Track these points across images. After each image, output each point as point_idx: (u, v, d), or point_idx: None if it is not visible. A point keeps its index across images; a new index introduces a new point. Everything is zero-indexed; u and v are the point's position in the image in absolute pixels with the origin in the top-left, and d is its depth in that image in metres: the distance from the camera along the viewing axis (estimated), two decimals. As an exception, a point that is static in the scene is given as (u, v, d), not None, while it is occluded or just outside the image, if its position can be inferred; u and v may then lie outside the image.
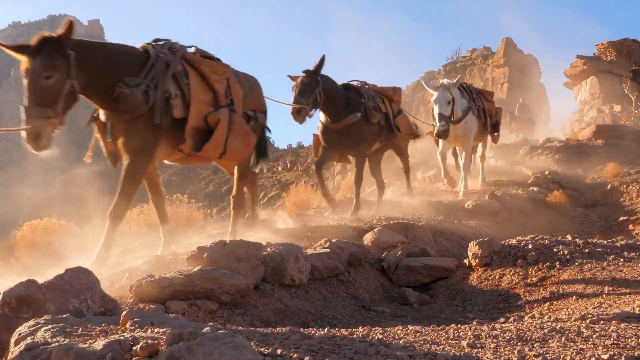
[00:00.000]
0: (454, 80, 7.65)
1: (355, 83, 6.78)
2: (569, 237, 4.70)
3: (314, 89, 5.90)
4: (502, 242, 4.37)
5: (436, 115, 7.29)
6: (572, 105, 24.76)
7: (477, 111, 8.17)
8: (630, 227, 7.11)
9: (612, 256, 4.00)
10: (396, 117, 6.87)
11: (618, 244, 4.38)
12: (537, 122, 20.84)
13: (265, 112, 4.95)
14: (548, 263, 3.95)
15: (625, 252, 4.15)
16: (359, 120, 6.24)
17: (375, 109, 6.43)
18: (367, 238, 4.82)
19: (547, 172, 10.30)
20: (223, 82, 4.18)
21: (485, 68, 35.59)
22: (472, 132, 8.05)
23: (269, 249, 3.52)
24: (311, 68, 5.99)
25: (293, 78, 6.06)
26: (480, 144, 9.39)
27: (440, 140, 8.08)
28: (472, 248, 4.32)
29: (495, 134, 9.12)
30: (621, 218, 7.60)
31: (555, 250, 4.13)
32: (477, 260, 4.22)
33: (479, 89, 8.96)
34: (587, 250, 4.13)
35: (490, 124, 8.69)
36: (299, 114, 5.80)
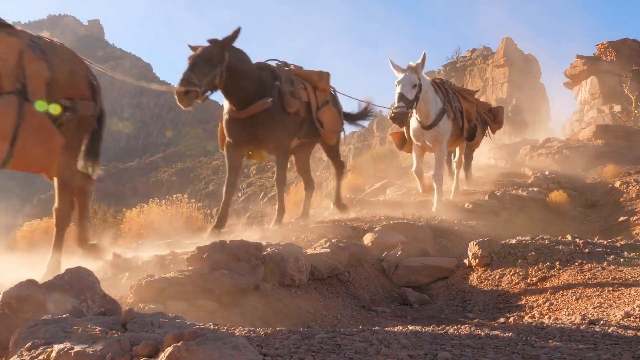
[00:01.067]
0: (420, 61, 6.43)
1: (272, 63, 5.52)
2: (569, 237, 4.70)
3: (215, 67, 4.52)
4: (502, 242, 4.37)
5: (396, 96, 6.23)
6: (572, 105, 24.79)
7: (453, 113, 7.00)
8: (631, 227, 7.11)
9: (612, 256, 4.00)
10: (320, 108, 5.64)
11: (618, 244, 4.38)
12: (530, 124, 20.67)
13: (93, 99, 3.63)
14: (548, 263, 3.95)
15: (625, 252, 4.15)
16: (271, 107, 5.00)
17: (294, 95, 5.21)
18: (367, 238, 4.82)
19: (547, 172, 10.30)
20: (8, 60, 3.07)
21: (485, 68, 35.58)
22: (444, 137, 6.94)
23: (269, 249, 3.53)
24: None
25: (193, 48, 4.64)
26: (457, 149, 8.32)
27: (415, 156, 7.03)
28: (472, 248, 4.33)
29: (473, 141, 7.75)
30: (621, 218, 7.60)
31: (555, 250, 4.14)
32: (477, 260, 4.22)
33: (457, 87, 7.76)
34: (587, 250, 4.13)
35: (467, 128, 7.38)
36: (185, 98, 4.33)
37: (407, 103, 6.14)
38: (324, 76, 5.77)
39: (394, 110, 6.12)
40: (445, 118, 6.83)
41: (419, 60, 6.40)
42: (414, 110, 6.63)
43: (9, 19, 3.35)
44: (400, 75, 6.35)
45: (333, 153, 6.29)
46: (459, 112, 7.14)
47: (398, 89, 6.22)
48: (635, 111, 18.31)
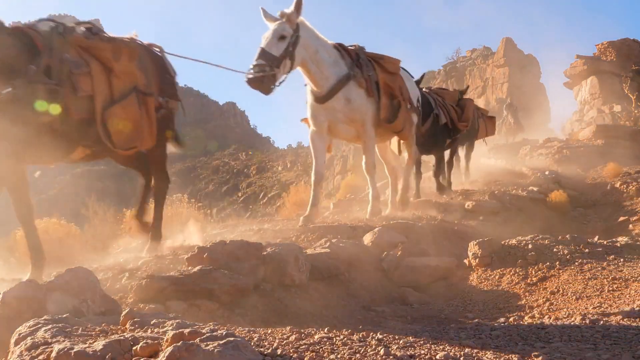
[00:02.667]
0: (292, 6, 4.79)
1: (48, 25, 3.33)
2: (568, 237, 4.70)
3: None
4: (502, 242, 4.37)
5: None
6: (572, 105, 24.83)
7: (364, 83, 5.15)
8: (630, 227, 7.12)
9: (612, 256, 4.01)
10: (114, 104, 3.39)
11: (618, 244, 4.38)
12: (525, 125, 20.58)
13: None
14: (548, 263, 3.95)
15: (625, 252, 4.15)
16: (14, 104, 2.97)
17: (55, 95, 3.10)
18: (367, 238, 4.82)
19: (547, 172, 10.32)
20: None
21: (485, 68, 35.61)
22: (366, 114, 5.22)
23: (269, 249, 3.52)
24: None
25: None
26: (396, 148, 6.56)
27: (313, 149, 5.29)
28: (472, 248, 4.33)
29: (393, 123, 5.40)
30: (621, 218, 7.61)
31: (555, 250, 4.14)
32: (477, 260, 4.22)
33: (373, 54, 5.58)
34: (587, 250, 4.14)
35: (385, 105, 5.32)
36: None
37: (269, 60, 4.53)
38: (124, 52, 3.51)
39: (251, 73, 4.51)
40: (352, 87, 5.09)
41: (293, 6, 4.80)
42: (309, 85, 5.17)
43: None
44: (270, 26, 4.78)
45: (157, 168, 4.11)
46: (372, 82, 5.27)
47: (260, 44, 4.66)
48: (635, 111, 18.31)
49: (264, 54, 4.57)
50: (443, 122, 7.12)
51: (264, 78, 4.50)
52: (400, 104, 5.50)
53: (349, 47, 5.41)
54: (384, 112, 5.35)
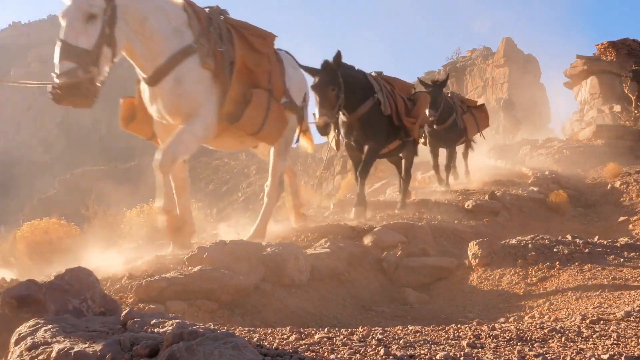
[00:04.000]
0: None
1: None
2: (569, 237, 4.70)
3: None
4: (502, 242, 4.38)
5: (56, 51, 3.19)
6: (572, 105, 24.83)
7: (212, 63, 3.74)
8: (630, 227, 7.11)
9: (612, 256, 4.01)
10: None
11: (618, 244, 4.39)
12: (524, 121, 20.60)
13: None
14: (548, 263, 3.95)
15: (625, 252, 4.15)
16: None
17: None
18: (367, 238, 4.82)
19: (547, 172, 10.32)
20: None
21: (485, 68, 35.58)
22: (195, 102, 3.73)
23: (269, 249, 3.53)
24: None
25: None
26: (276, 151, 4.61)
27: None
28: (472, 248, 4.33)
29: (240, 121, 3.91)
30: (621, 218, 7.60)
31: (555, 250, 4.14)
32: (477, 260, 4.23)
33: (237, 21, 4.13)
34: (587, 250, 4.14)
35: (233, 95, 3.85)
36: None
37: (78, 57, 3.14)
38: None
39: (55, 80, 3.14)
40: (191, 66, 3.68)
41: None
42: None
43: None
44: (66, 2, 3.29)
45: None
46: (225, 61, 3.85)
47: (60, 34, 3.22)
48: (635, 111, 18.31)
49: (68, 50, 3.13)
50: (387, 112, 5.75)
51: (79, 88, 3.12)
52: (252, 96, 3.94)
53: (203, 9, 3.94)
54: (230, 106, 3.84)
